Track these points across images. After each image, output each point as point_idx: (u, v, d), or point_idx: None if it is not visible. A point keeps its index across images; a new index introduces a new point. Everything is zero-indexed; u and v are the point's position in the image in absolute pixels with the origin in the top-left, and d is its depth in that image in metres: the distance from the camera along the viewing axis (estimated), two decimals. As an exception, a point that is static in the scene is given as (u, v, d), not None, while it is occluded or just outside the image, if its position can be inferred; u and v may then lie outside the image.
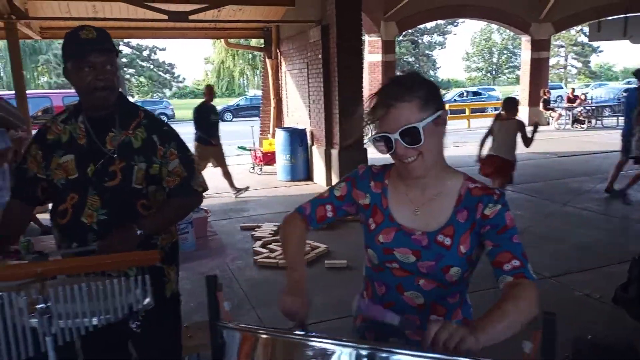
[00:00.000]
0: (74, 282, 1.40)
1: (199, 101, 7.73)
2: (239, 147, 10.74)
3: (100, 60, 1.68)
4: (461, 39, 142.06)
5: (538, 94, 15.89)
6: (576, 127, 15.89)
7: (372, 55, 14.06)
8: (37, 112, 12.60)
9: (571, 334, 2.75)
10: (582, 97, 17.30)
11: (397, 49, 17.03)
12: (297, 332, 1.02)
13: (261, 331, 1.03)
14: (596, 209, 6.40)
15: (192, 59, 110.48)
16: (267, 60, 10.89)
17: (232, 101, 30.44)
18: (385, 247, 1.32)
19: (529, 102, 15.83)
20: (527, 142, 5.17)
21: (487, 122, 16.89)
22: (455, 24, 48.10)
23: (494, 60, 54.45)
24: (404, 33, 19.14)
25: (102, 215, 1.76)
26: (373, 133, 1.25)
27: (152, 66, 44.17)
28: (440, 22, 41.65)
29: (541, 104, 15.89)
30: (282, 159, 8.94)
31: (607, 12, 12.46)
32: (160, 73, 44.90)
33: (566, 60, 48.00)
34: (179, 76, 47.89)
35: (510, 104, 5.43)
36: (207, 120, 7.41)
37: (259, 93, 16.16)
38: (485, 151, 5.40)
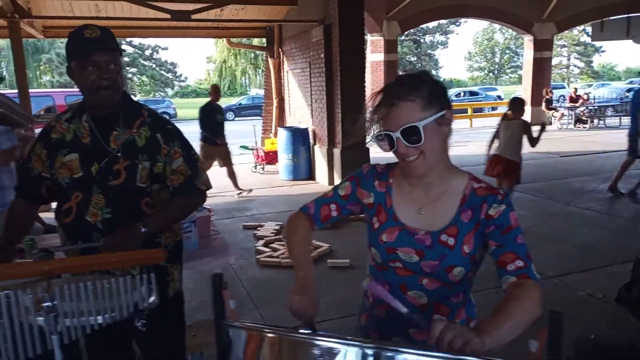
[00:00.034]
0: (79, 280, 1.40)
1: (201, 100, 7.75)
2: (241, 147, 10.72)
3: (104, 59, 1.69)
4: (463, 38, 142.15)
5: (540, 93, 15.86)
6: (579, 127, 15.86)
7: (374, 55, 14.05)
8: (40, 111, 12.63)
9: (574, 334, 2.75)
10: (585, 96, 17.25)
11: (399, 49, 17.00)
12: (303, 331, 1.02)
13: (267, 330, 1.03)
14: (599, 209, 6.39)
15: (194, 58, 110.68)
16: (270, 60, 10.88)
17: (234, 100, 30.48)
18: (388, 247, 1.31)
19: (531, 101, 15.79)
20: (533, 142, 5.13)
21: (485, 122, 16.96)
22: (457, 23, 48.07)
23: (497, 59, 54.35)
24: (406, 32, 19.08)
25: (107, 214, 1.77)
26: (376, 131, 1.25)
27: (154, 65, 44.28)
28: (442, 21, 41.58)
29: (544, 104, 15.85)
30: (284, 158, 8.93)
31: (609, 12, 12.45)
32: (162, 72, 45.00)
33: (569, 60, 47.93)
34: (181, 75, 48.01)
35: (517, 103, 5.40)
36: (212, 120, 7.39)
37: (261, 92, 16.15)
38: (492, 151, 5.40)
